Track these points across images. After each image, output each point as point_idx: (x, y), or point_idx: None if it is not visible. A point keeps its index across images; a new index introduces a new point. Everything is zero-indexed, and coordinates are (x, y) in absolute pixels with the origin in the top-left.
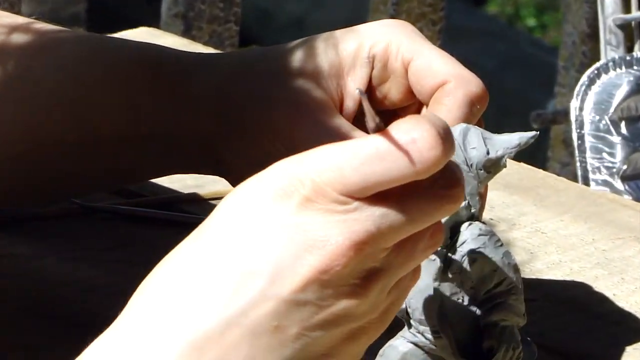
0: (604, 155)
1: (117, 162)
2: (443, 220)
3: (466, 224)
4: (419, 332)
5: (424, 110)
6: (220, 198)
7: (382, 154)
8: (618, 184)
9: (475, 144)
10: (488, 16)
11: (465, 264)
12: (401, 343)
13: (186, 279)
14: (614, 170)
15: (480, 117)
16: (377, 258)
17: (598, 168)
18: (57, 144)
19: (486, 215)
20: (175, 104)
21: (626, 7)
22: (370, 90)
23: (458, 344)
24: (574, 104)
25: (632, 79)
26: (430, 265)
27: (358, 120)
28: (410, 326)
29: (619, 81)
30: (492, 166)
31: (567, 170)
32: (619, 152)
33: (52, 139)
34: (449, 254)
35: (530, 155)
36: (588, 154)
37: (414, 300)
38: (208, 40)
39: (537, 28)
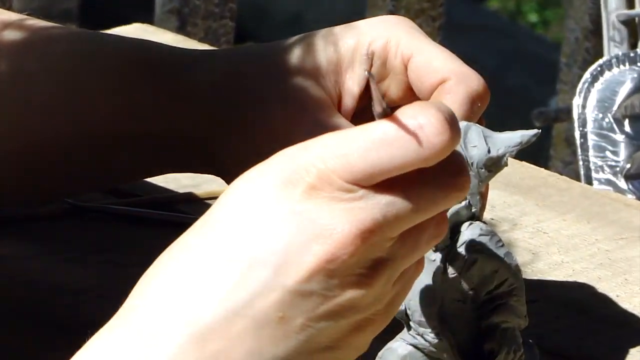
0: (607, 153)
1: (111, 161)
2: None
3: (467, 223)
4: (418, 334)
5: None
6: (216, 198)
7: (388, 140)
8: (621, 183)
9: (476, 142)
10: (489, 12)
11: (466, 265)
12: (400, 345)
13: (188, 269)
14: (617, 169)
15: (481, 115)
16: (383, 248)
17: (601, 167)
18: (50, 142)
19: (487, 215)
20: (170, 102)
21: (630, 2)
22: (369, 88)
23: (458, 346)
24: (577, 102)
25: (635, 76)
26: (430, 266)
27: (357, 118)
28: (409, 328)
29: (622, 78)
30: (493, 165)
31: (570, 169)
32: (623, 151)
33: (45, 137)
34: (450, 255)
35: (532, 154)
36: (591, 152)
37: (414, 301)
38: (203, 36)
39: (540, 24)
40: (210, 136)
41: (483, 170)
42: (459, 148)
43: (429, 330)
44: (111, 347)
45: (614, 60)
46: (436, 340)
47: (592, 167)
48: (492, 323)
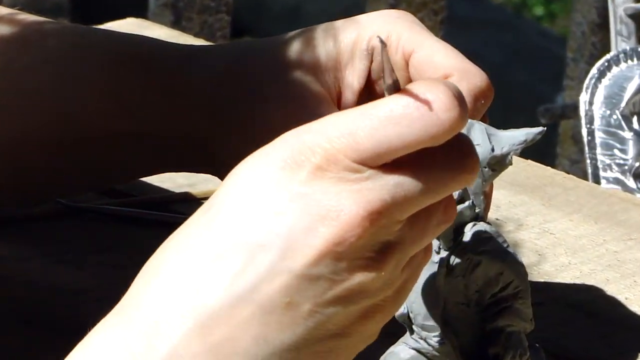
0: (615, 151)
1: (106, 160)
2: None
3: (470, 224)
4: (421, 338)
5: None
6: None
7: (396, 117)
8: (630, 182)
9: (480, 141)
10: (493, 5)
11: (470, 267)
12: (403, 349)
13: (192, 255)
14: (626, 167)
15: (484, 113)
16: (391, 230)
17: (609, 165)
18: (42, 140)
19: (492, 215)
20: (165, 99)
21: None
22: (369, 84)
23: (462, 350)
24: (583, 98)
25: None
26: (433, 268)
27: None
28: (412, 332)
29: (630, 74)
30: (497, 164)
31: (577, 168)
32: (631, 149)
33: (36, 135)
34: (453, 256)
35: (538, 152)
36: (598, 150)
37: (417, 304)
38: (199, 31)
39: (546, 17)
40: (210, 135)
41: (487, 169)
42: None
43: (432, 333)
44: (114, 335)
45: (621, 55)
46: (439, 344)
47: (599, 165)
48: (497, 326)
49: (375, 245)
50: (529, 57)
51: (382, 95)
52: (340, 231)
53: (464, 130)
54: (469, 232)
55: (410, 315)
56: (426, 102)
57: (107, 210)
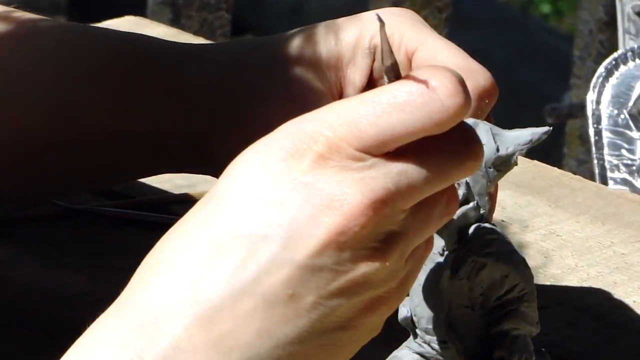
0: (623, 152)
1: (103, 160)
2: (450, 222)
3: (475, 226)
4: (425, 342)
5: None
6: None
7: (399, 104)
8: (638, 183)
9: (485, 140)
10: (499, 3)
11: (475, 269)
12: (406, 354)
13: (192, 248)
14: (634, 168)
15: (489, 113)
16: (395, 220)
17: (617, 166)
18: (37, 140)
19: (497, 216)
20: (164, 98)
21: None
22: (371, 83)
23: (466, 354)
24: (591, 97)
25: None
26: (437, 271)
27: None
28: (415, 336)
29: (638, 72)
30: (503, 164)
31: (584, 168)
32: (639, 149)
33: (32, 135)
34: (457, 258)
35: (544, 152)
36: (606, 150)
37: (420, 308)
38: (198, 29)
39: (552, 15)
40: (206, 135)
41: (492, 169)
42: None
43: (436, 338)
44: (114, 331)
45: (629, 54)
46: (443, 349)
47: (607, 166)
48: (502, 330)
49: (379, 235)
50: (535, 56)
51: None
52: (343, 220)
53: None
54: (473, 233)
55: (414, 318)
56: (431, 89)
57: (105, 212)
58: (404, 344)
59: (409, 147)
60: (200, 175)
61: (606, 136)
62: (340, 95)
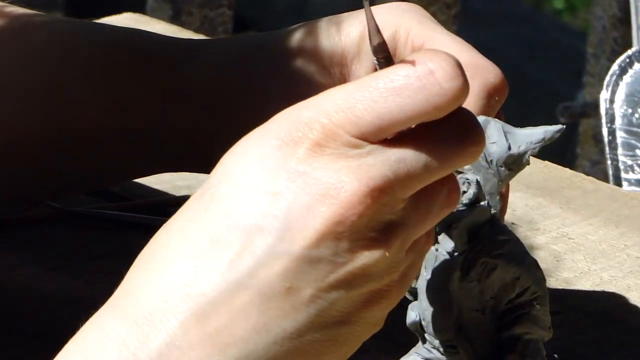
0: (638, 152)
1: (99, 160)
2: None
3: (486, 226)
4: (434, 347)
5: None
6: None
7: (396, 88)
8: None
9: (496, 138)
10: None
11: (485, 272)
12: None
13: (186, 242)
14: None
15: (498, 110)
16: (394, 209)
17: (631, 166)
18: (30, 138)
19: (508, 218)
20: (162, 96)
21: None
22: None
23: (477, 359)
24: (604, 96)
25: None
26: (446, 273)
27: None
28: (424, 341)
29: None
30: (514, 163)
31: (598, 169)
32: None
33: (24, 132)
34: (467, 260)
35: (557, 152)
36: (619, 150)
37: (429, 312)
38: (199, 26)
39: (566, 10)
40: (206, 133)
41: (503, 168)
42: None
43: (446, 342)
44: (108, 329)
45: None
46: (453, 354)
47: (621, 166)
48: (513, 334)
49: (378, 225)
50: (547, 53)
51: None
52: (340, 209)
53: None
54: (484, 234)
55: (423, 323)
56: (429, 72)
57: (103, 214)
58: (413, 349)
59: (408, 133)
60: (202, 175)
61: (620, 136)
62: None
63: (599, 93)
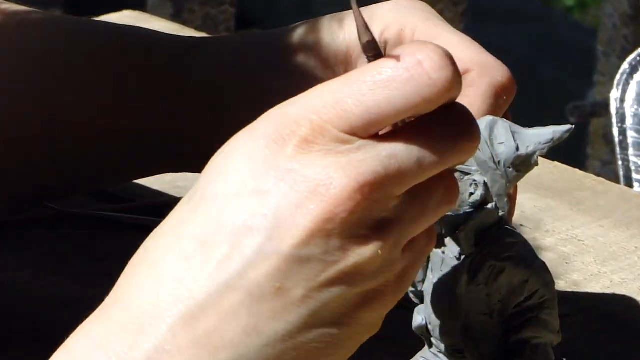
0: None
1: (98, 160)
2: (467, 224)
3: (493, 228)
4: (440, 352)
5: None
6: None
7: (385, 80)
8: None
9: (504, 139)
10: None
11: (493, 275)
12: None
13: (175, 244)
14: None
15: (506, 110)
16: (387, 206)
17: None
18: (28, 138)
19: (516, 220)
20: (162, 95)
21: None
22: None
23: None
24: (614, 95)
25: None
26: (453, 276)
27: None
28: (430, 345)
29: None
30: (522, 164)
31: (609, 170)
32: None
33: (22, 132)
34: (474, 263)
35: (567, 152)
36: (630, 151)
37: (435, 315)
38: (201, 24)
39: (576, 7)
40: (207, 133)
41: (511, 169)
42: (484, 145)
43: (452, 347)
44: (97, 335)
45: None
46: (460, 358)
47: (632, 167)
48: (521, 339)
49: (370, 222)
50: (557, 51)
51: None
52: (329, 206)
53: (486, 127)
54: (491, 236)
55: (429, 326)
56: (417, 62)
57: (103, 216)
58: (419, 354)
59: (401, 128)
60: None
61: (631, 136)
62: None
63: (609, 92)
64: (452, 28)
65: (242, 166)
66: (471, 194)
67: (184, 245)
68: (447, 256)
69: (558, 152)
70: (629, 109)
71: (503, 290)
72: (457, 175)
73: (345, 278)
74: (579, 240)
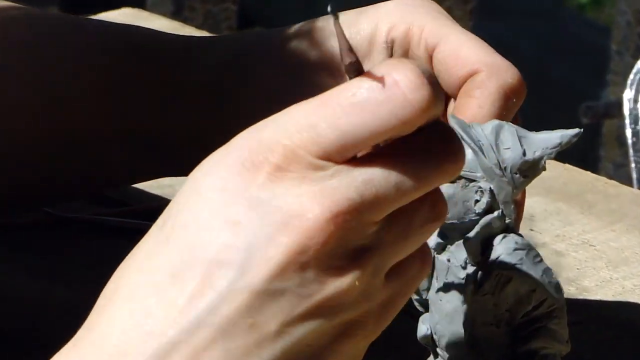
0: None
1: (95, 163)
2: (473, 232)
3: (500, 236)
4: None
5: (451, 104)
6: None
7: (360, 103)
8: None
9: (510, 144)
10: None
11: (500, 284)
12: None
13: (146, 277)
14: None
15: (516, 114)
16: (364, 234)
17: None
18: (21, 140)
19: (525, 225)
20: (161, 96)
21: None
22: None
23: None
24: (627, 95)
25: None
26: (459, 286)
27: None
28: (436, 355)
29: None
30: (529, 169)
31: (622, 172)
32: None
33: (20, 134)
34: (481, 272)
35: (579, 154)
36: None
37: (441, 325)
38: (202, 22)
39: (590, 5)
40: (207, 135)
41: (518, 175)
42: (490, 150)
43: (458, 357)
44: None
45: None
46: None
47: None
48: (529, 349)
49: (347, 251)
50: (569, 50)
51: None
52: (302, 239)
53: (492, 131)
54: (498, 245)
55: (434, 337)
56: (393, 83)
57: (100, 220)
58: None
59: (380, 149)
60: None
61: None
62: None
63: (623, 92)
64: (460, 27)
65: (214, 195)
66: (477, 201)
67: (156, 279)
68: (452, 264)
69: (569, 154)
70: None
71: (510, 299)
72: (462, 182)
73: (322, 311)
74: (591, 245)
